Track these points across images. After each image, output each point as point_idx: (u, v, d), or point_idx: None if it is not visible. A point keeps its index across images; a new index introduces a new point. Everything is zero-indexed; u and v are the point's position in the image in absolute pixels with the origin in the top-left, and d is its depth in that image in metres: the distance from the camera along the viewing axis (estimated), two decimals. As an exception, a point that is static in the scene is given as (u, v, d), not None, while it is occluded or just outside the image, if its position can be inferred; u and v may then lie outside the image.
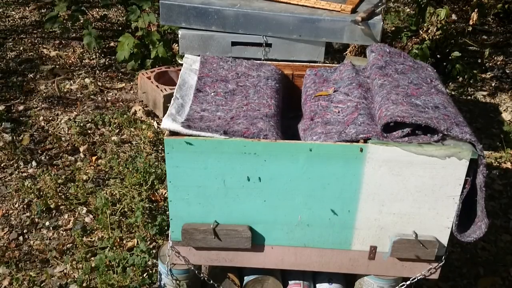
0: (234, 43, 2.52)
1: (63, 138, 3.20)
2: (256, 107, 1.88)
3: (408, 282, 1.96)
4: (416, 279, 1.95)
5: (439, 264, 1.92)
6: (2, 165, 2.97)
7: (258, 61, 2.17)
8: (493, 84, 4.10)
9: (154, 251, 2.42)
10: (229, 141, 1.72)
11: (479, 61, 4.39)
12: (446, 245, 1.88)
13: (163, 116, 1.77)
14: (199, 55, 2.17)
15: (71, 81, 3.82)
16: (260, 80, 2.04)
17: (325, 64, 2.31)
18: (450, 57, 3.99)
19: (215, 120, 1.79)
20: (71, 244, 2.50)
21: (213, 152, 1.73)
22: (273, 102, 1.92)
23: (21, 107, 3.47)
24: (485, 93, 3.99)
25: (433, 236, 1.85)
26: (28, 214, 2.67)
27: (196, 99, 1.90)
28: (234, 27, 2.48)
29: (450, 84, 3.99)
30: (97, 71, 3.98)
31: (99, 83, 3.81)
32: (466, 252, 2.57)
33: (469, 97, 3.93)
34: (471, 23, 4.16)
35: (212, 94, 1.95)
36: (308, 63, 2.28)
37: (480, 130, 3.51)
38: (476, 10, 4.17)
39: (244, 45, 2.52)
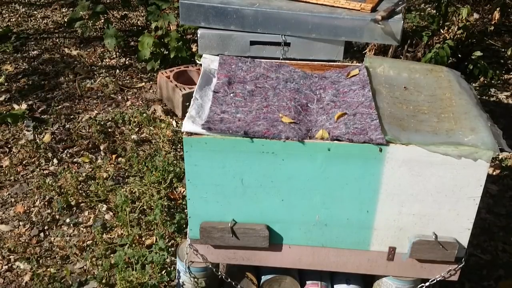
0: (252, 43, 2.52)
1: (83, 136, 3.24)
2: (276, 109, 1.88)
3: (427, 284, 1.94)
4: (435, 281, 1.93)
5: (459, 266, 1.90)
6: (24, 162, 3.02)
7: (277, 62, 2.17)
8: (516, 85, 4.03)
9: (172, 248, 2.44)
10: (247, 141, 1.72)
11: (502, 61, 4.32)
12: (466, 247, 1.86)
13: (182, 115, 1.78)
14: (218, 55, 2.18)
15: (92, 80, 3.87)
16: (279, 83, 2.03)
17: (339, 64, 2.29)
18: (471, 57, 3.93)
19: (235, 122, 1.79)
20: (91, 241, 2.53)
21: (231, 151, 1.74)
22: (293, 104, 1.91)
23: (42, 106, 3.52)
24: (508, 93, 3.92)
25: (453, 237, 1.83)
26: (49, 211, 2.70)
27: (216, 100, 1.91)
28: (253, 27, 2.48)
29: (471, 83, 3.93)
30: (117, 71, 4.02)
31: (119, 82, 3.85)
32: (487, 254, 2.53)
33: (491, 98, 3.87)
34: (493, 22, 4.10)
35: (231, 95, 1.95)
36: (327, 63, 2.27)
37: (502, 130, 3.44)
38: (498, 9, 4.11)
39: (262, 44, 2.52)
